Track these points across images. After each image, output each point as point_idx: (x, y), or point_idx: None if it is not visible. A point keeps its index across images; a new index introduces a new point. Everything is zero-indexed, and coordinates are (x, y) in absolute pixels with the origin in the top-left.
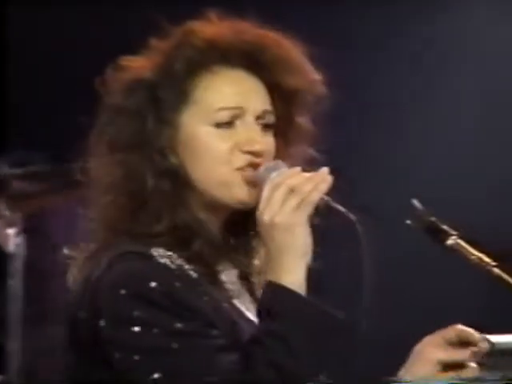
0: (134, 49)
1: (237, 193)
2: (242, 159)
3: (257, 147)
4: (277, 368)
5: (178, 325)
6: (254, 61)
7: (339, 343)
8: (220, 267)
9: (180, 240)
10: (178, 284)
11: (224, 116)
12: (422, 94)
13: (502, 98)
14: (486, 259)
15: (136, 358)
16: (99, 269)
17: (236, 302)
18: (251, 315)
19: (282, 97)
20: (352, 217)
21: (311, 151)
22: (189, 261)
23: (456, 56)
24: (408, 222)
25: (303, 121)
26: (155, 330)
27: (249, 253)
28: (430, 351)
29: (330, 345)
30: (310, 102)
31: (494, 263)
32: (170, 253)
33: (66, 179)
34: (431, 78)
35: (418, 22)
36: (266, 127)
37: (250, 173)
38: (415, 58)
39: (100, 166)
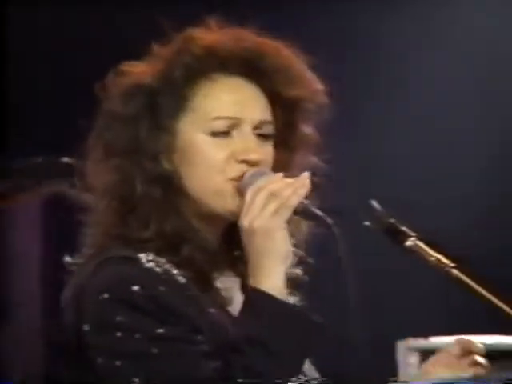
0: (133, 49)
1: (229, 203)
2: (236, 169)
3: (252, 156)
4: (257, 374)
5: (160, 330)
6: (253, 69)
7: (317, 346)
8: (215, 274)
9: (169, 245)
10: (162, 288)
11: (220, 125)
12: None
13: (468, 98)
14: (445, 260)
15: (117, 363)
16: (87, 273)
17: (230, 309)
18: None
19: (283, 106)
20: (329, 221)
21: (315, 159)
22: (178, 266)
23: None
24: (367, 223)
25: (306, 129)
26: (137, 335)
27: None
28: (438, 369)
29: (309, 348)
30: (311, 110)
31: (452, 264)
32: (158, 258)
33: (28, 178)
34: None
35: (414, 23)
36: (264, 137)
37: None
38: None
39: (97, 171)
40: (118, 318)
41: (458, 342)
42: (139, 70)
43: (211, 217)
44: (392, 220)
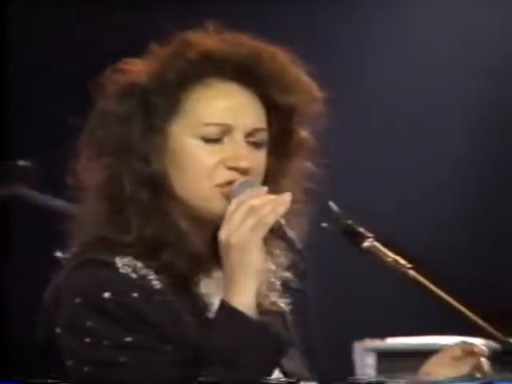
0: (133, 49)
1: (216, 208)
2: (224, 175)
3: (242, 164)
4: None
5: (129, 338)
6: (248, 74)
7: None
8: (200, 277)
9: (149, 250)
10: (135, 295)
11: (211, 131)
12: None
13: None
14: (402, 261)
15: (86, 369)
16: (65, 274)
17: (210, 314)
18: None
19: (279, 112)
20: (299, 245)
21: (310, 165)
22: (157, 271)
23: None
24: (324, 224)
25: (302, 134)
26: (105, 342)
27: None
28: (439, 371)
29: (274, 363)
30: (308, 117)
31: (409, 265)
32: (136, 262)
33: None
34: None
35: (414, 22)
36: (257, 145)
37: (228, 189)
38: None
39: (88, 169)
40: (88, 324)
41: (458, 345)
42: (136, 69)
43: (200, 220)
44: (349, 221)
